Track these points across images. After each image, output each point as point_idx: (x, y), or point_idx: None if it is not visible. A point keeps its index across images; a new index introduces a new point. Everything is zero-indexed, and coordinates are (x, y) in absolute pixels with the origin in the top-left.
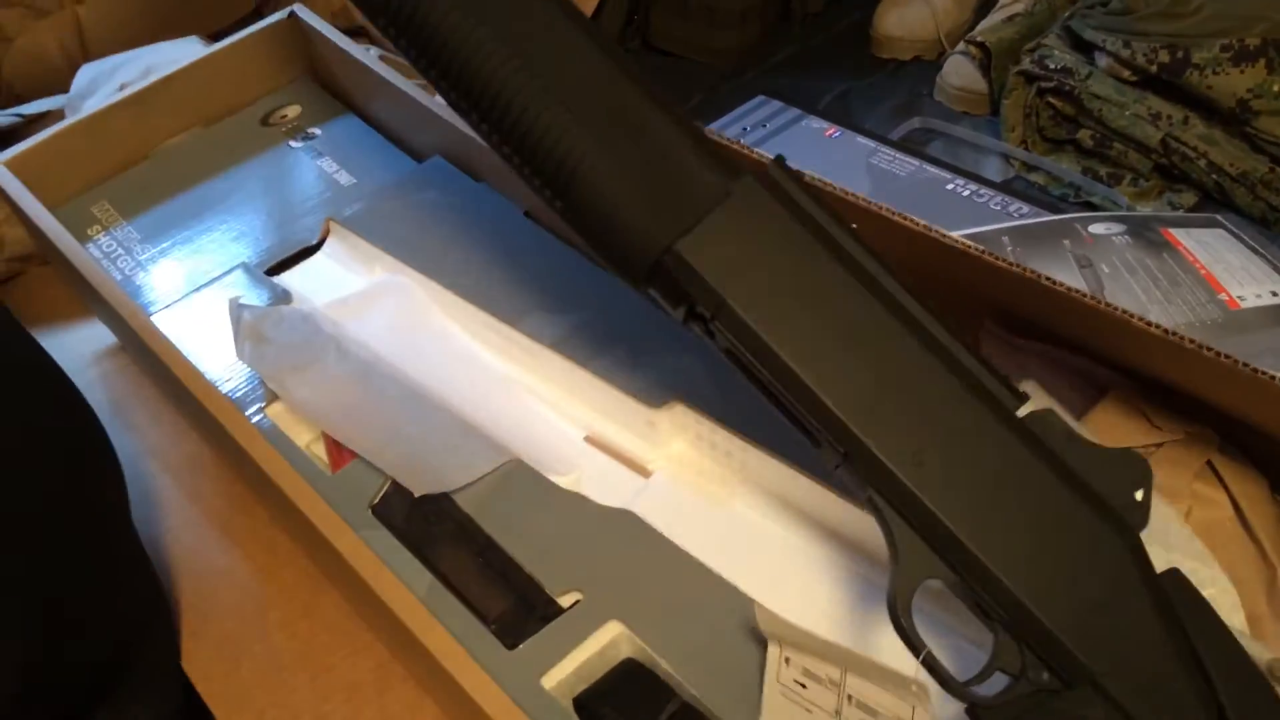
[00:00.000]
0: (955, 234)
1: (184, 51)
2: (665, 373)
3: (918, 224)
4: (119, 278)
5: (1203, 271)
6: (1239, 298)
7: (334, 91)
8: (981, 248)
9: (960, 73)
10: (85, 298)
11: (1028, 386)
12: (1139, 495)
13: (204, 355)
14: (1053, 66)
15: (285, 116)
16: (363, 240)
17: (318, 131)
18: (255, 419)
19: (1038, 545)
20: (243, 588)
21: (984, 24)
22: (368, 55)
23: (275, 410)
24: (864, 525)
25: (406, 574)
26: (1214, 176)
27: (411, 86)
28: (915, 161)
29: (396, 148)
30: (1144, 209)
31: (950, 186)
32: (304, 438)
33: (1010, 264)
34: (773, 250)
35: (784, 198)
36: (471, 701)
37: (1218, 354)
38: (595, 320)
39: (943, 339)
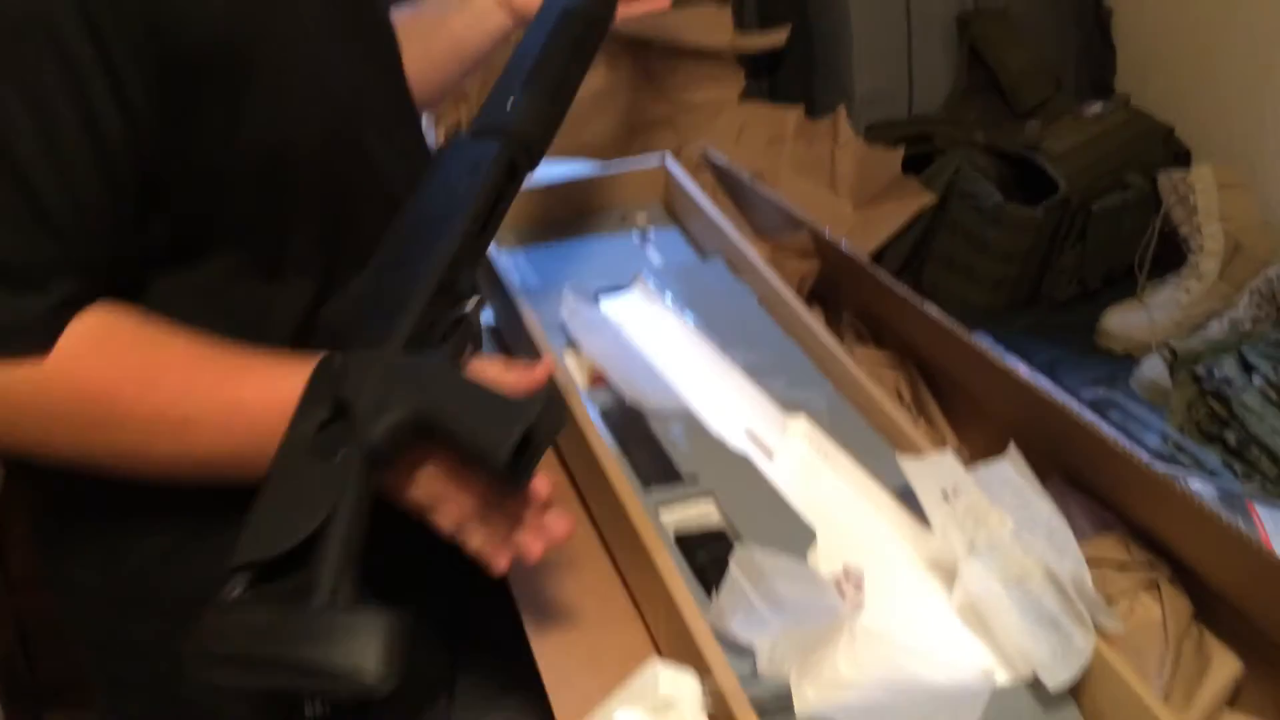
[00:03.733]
0: None
1: (586, 169)
2: (800, 396)
3: (1031, 381)
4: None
5: (1262, 533)
6: None
7: (670, 210)
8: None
9: (1153, 369)
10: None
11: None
12: None
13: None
14: (1217, 375)
15: (635, 219)
16: (652, 290)
17: (651, 232)
18: (559, 350)
19: None
20: None
21: (1185, 340)
22: (697, 192)
23: (569, 360)
24: (892, 507)
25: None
26: None
27: (717, 215)
28: (1072, 402)
29: (694, 249)
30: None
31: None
32: (580, 379)
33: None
34: None
35: None
36: (625, 513)
37: (1189, 495)
38: (768, 361)
39: None
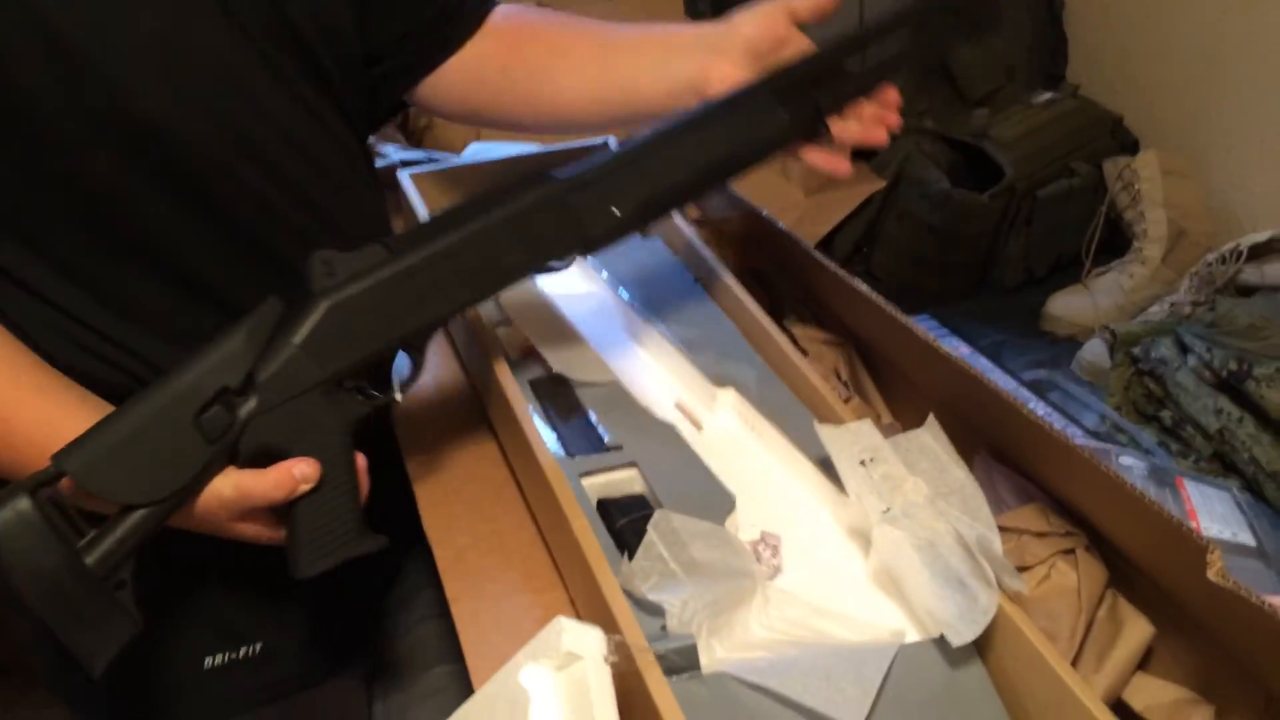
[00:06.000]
0: None
1: (531, 148)
2: (730, 370)
3: (960, 359)
4: None
5: (1189, 508)
6: (1205, 528)
7: None
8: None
9: (1094, 351)
10: None
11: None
12: None
13: None
14: (1154, 355)
15: None
16: (590, 266)
17: None
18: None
19: None
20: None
21: (1127, 323)
22: None
23: (503, 331)
24: (818, 479)
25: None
26: (1253, 469)
27: None
28: (1012, 383)
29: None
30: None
31: (1031, 405)
32: (511, 351)
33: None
34: None
35: None
36: (546, 480)
37: (1105, 467)
38: (700, 336)
39: None
